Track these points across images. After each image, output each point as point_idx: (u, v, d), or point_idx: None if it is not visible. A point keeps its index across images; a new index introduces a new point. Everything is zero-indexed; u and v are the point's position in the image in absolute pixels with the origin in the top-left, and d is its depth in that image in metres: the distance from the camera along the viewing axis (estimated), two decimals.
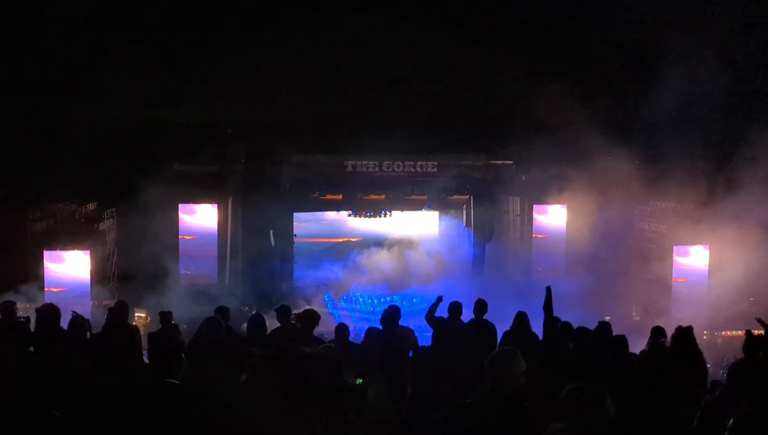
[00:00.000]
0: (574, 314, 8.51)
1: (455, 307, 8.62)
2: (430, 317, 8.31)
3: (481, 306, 8.44)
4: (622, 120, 14.45)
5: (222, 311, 8.43)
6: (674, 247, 14.80)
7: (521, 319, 8.03)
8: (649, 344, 7.13)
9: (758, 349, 6.62)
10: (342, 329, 7.97)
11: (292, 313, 9.00)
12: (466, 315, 8.75)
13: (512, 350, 4.39)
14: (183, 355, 5.48)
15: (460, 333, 8.12)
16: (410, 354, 7.99)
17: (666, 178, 14.26)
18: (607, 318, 13.69)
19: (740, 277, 14.34)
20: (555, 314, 7.44)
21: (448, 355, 7.69)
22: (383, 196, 16.51)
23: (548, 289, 7.45)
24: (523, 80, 14.89)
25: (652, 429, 5.45)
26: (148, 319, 13.33)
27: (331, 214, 17.83)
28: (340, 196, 16.24)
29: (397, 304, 10.07)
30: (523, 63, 15.24)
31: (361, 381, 5.28)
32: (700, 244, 14.80)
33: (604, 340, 7.12)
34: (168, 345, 7.42)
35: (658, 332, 7.58)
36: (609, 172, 14.86)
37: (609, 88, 14.57)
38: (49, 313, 7.19)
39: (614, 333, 7.40)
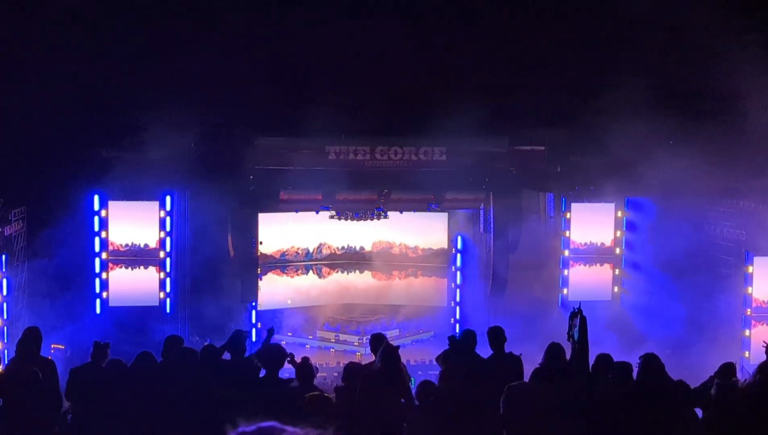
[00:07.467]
0: (615, 345, 8.61)
1: (468, 337, 8.67)
2: None
3: (496, 336, 8.47)
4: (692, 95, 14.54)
5: (170, 342, 8.57)
6: (754, 258, 14.93)
7: (555, 352, 8.09)
8: (718, 385, 7.23)
9: None
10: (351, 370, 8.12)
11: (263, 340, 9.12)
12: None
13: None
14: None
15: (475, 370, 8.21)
16: None
17: (746, 170, 14.38)
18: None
19: None
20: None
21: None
22: (376, 193, 16.59)
23: (580, 312, 7.53)
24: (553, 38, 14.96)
25: None
26: (68, 352, 13.38)
27: (307, 216, 17.90)
28: (320, 194, 16.31)
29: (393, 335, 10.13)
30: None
31: None
32: None
33: (652, 382, 7.17)
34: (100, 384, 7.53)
35: (727, 370, 7.69)
36: (672, 163, 14.90)
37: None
38: None
39: (675, 371, 7.51)
